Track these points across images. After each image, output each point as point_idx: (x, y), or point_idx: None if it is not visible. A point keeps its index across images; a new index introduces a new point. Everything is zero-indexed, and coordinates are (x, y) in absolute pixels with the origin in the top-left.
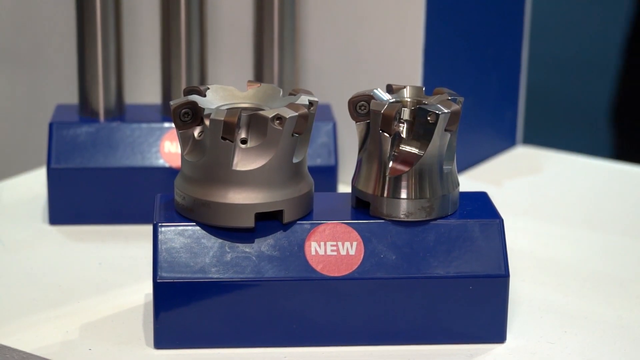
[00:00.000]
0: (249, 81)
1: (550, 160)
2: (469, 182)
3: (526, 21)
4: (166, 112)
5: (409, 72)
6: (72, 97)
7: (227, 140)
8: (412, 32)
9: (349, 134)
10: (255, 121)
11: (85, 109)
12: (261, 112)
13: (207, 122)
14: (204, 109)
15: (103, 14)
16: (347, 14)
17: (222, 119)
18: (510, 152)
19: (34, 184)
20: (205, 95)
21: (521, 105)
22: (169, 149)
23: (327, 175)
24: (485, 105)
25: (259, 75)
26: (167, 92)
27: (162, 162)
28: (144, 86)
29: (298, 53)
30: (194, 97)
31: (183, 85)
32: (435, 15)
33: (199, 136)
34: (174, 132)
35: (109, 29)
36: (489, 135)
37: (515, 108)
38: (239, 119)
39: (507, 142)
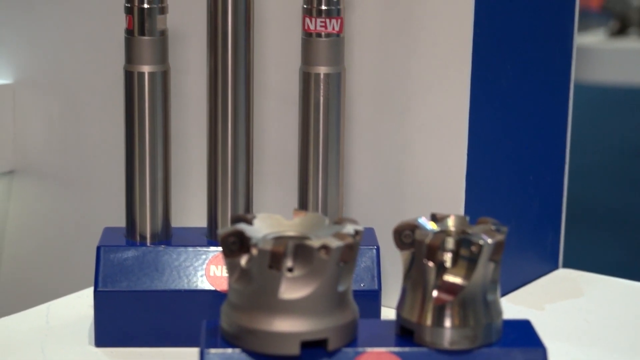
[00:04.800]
0: (295, 209)
1: (592, 284)
2: (511, 305)
3: (567, 146)
4: (212, 236)
5: (452, 197)
6: (119, 219)
7: (274, 269)
8: (455, 159)
9: (392, 258)
10: (302, 251)
11: (133, 233)
12: (307, 242)
13: (254, 251)
14: (251, 238)
15: (151, 139)
16: (390, 140)
17: (269, 248)
18: (552, 275)
19: (80, 305)
20: (252, 224)
21: (563, 229)
22: (214, 273)
23: (370, 299)
24: (527, 229)
25: (304, 200)
26: (213, 216)
27: (207, 285)
28: (191, 210)
29: (342, 178)
30: (242, 226)
31: (229, 210)
32: (477, 142)
33: (247, 264)
34: (219, 256)
35: (157, 154)
36: (531, 258)
37: (557, 231)
38: (286, 248)
39: (549, 265)
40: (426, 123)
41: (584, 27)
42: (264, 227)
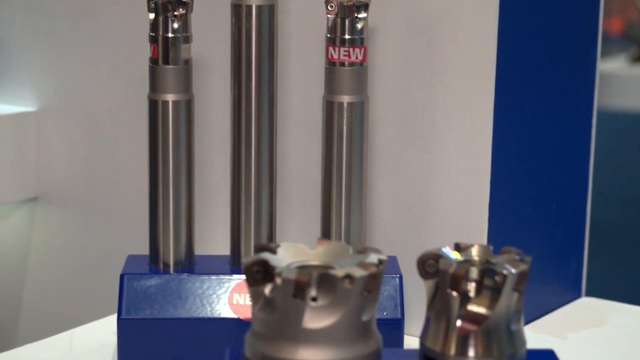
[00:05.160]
0: (319, 239)
1: (616, 312)
2: (534, 334)
3: (590, 173)
4: (235, 264)
5: (475, 226)
6: (143, 247)
7: (298, 299)
8: (477, 188)
9: (415, 286)
10: (326, 280)
11: (156, 260)
12: (332, 272)
13: (278, 281)
14: (275, 267)
15: (175, 167)
16: (413, 169)
17: (294, 278)
18: (575, 303)
19: (104, 332)
20: (276, 253)
21: (586, 257)
22: (237, 301)
23: (393, 328)
24: (550, 257)
25: (327, 228)
26: (236, 244)
27: (231, 313)
28: (214, 238)
29: (365, 206)
30: (266, 255)
31: (252, 238)
32: (500, 170)
33: (271, 294)
34: (242, 284)
35: (181, 182)
36: (553, 286)
37: (580, 259)
38: (310, 277)
39: (571, 293)
40: (449, 151)
41: (605, 52)
42: (287, 256)
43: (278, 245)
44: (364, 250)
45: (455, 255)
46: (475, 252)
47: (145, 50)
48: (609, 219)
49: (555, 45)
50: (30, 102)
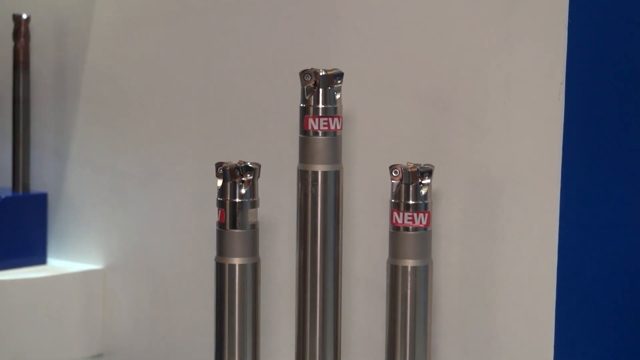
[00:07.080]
0: None
1: None
2: None
3: None
4: None
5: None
6: None
7: None
8: (541, 352)
9: None
10: None
11: None
12: None
13: None
14: None
15: (241, 329)
16: (477, 332)
17: None
18: None
19: None
20: None
21: None
22: None
23: None
24: None
25: None
26: None
27: None
28: None
29: None
30: None
31: None
32: (564, 335)
33: None
34: None
35: (247, 343)
36: None
37: None
38: None
39: None
40: (512, 315)
41: None
42: None
43: None
44: None
45: None
46: None
47: (211, 212)
48: None
49: (617, 204)
50: (97, 259)
